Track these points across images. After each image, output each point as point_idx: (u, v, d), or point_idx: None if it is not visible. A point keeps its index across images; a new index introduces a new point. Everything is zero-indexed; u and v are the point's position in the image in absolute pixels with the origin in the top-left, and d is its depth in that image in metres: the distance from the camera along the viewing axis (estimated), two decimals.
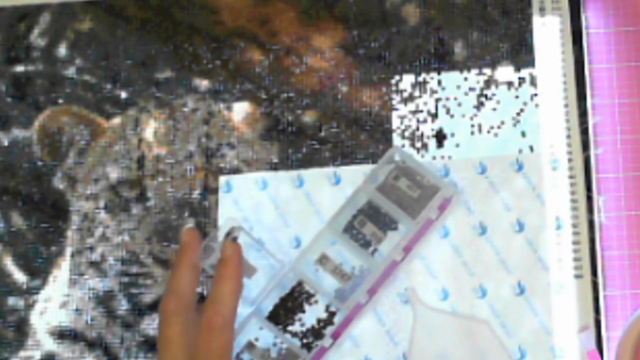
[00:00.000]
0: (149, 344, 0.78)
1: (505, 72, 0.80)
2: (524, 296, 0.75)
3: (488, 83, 0.80)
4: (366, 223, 0.75)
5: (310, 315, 0.74)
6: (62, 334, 0.79)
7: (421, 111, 0.80)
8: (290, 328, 0.74)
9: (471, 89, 0.80)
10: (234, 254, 0.71)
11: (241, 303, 0.72)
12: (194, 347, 0.68)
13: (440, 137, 0.79)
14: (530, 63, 0.80)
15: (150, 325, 0.78)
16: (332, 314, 0.74)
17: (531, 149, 0.78)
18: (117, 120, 0.83)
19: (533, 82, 0.80)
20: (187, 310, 0.69)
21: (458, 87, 0.80)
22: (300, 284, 0.74)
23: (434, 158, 0.79)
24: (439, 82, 0.81)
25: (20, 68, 0.85)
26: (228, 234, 0.71)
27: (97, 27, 0.85)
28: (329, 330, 0.74)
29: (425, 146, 0.79)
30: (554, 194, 0.77)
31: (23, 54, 0.85)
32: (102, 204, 0.81)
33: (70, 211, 0.81)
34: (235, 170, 0.80)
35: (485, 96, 0.80)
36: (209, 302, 0.69)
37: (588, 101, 0.79)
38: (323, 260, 0.75)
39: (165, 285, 0.73)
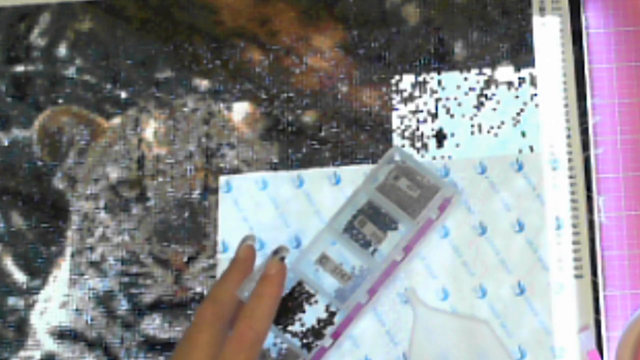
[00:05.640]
0: (149, 344, 0.78)
1: (505, 72, 0.80)
2: (524, 296, 0.75)
3: (488, 83, 0.80)
4: (366, 223, 0.75)
5: (310, 315, 0.74)
6: (62, 334, 0.79)
7: (421, 111, 0.80)
8: (290, 328, 0.74)
9: (471, 89, 0.80)
10: (278, 273, 0.69)
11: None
12: (218, 358, 0.67)
13: (440, 137, 0.79)
14: (530, 63, 0.80)
15: (150, 325, 0.78)
16: (332, 314, 0.74)
17: (531, 149, 0.78)
18: (117, 120, 0.83)
19: (533, 82, 0.80)
20: (221, 320, 0.67)
21: (458, 87, 0.80)
22: (300, 284, 0.74)
23: (434, 158, 0.79)
24: (439, 82, 0.81)
25: (20, 68, 0.85)
26: (275, 252, 0.70)
27: (97, 27, 0.85)
28: (329, 330, 0.74)
29: (425, 146, 0.79)
30: (554, 194, 0.77)
31: (23, 54, 0.85)
32: (102, 204, 0.81)
33: (70, 211, 0.81)
34: (235, 170, 0.80)
35: (485, 96, 0.80)
36: (244, 316, 0.67)
37: (588, 101, 0.79)
38: (323, 260, 0.75)
39: (208, 291, 0.71)
